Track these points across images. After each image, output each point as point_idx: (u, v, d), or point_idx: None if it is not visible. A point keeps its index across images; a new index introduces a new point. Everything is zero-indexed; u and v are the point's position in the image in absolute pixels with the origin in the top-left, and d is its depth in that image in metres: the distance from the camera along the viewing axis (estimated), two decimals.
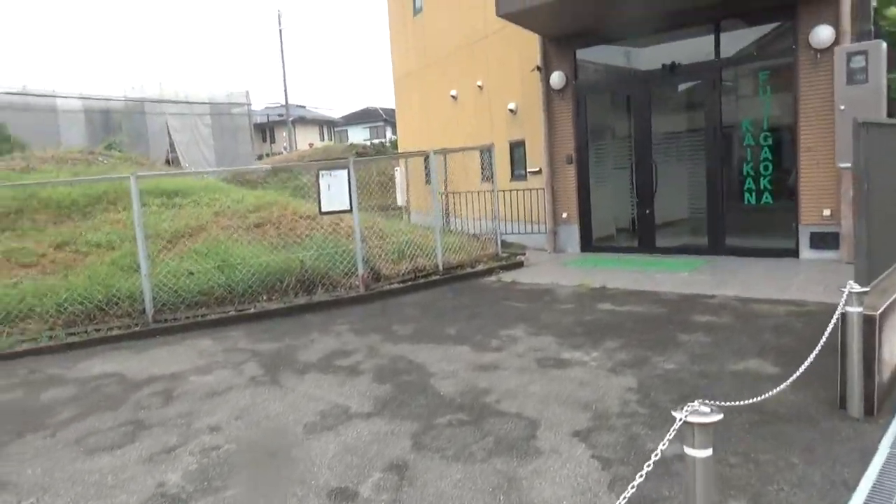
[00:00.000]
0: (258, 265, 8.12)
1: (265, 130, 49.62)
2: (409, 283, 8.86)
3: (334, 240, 8.93)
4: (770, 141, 9.01)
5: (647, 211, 10.17)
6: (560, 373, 5.05)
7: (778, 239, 9.00)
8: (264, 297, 8.03)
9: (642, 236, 10.34)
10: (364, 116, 52.38)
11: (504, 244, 11.19)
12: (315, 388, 5.15)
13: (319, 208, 8.44)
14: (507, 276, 9.25)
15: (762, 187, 9.10)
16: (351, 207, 8.42)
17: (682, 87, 10.40)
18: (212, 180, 12.50)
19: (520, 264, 10.03)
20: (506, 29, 11.40)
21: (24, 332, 7.08)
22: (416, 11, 16.27)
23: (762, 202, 9.10)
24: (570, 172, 10.96)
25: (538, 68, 10.98)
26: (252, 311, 7.75)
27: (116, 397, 5.31)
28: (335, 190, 8.28)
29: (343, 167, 8.43)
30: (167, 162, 36.39)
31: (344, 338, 6.62)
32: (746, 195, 9.24)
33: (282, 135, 47.14)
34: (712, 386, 4.53)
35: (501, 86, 12.51)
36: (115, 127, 36.28)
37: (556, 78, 10.75)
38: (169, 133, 37.85)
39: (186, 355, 6.40)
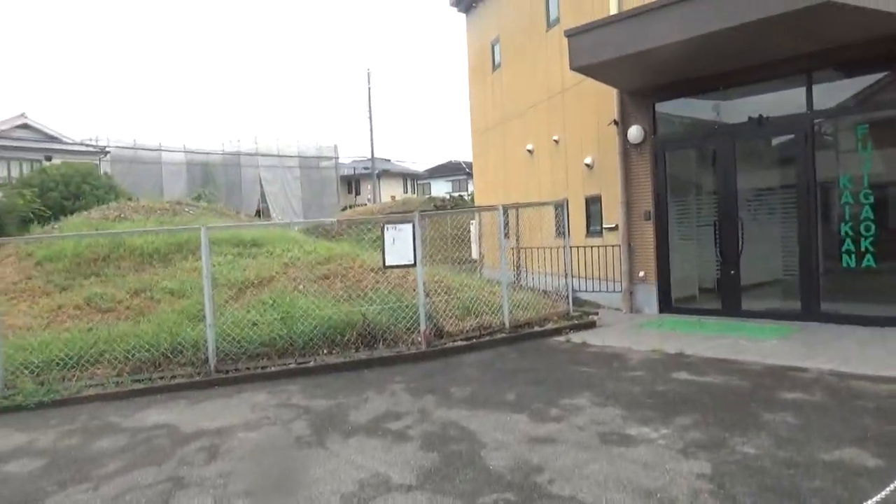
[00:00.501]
0: (321, 318, 8.06)
1: (351, 182, 51.21)
2: (473, 340, 8.55)
3: (399, 294, 8.78)
4: (872, 199, 8.24)
5: (732, 271, 9.48)
6: (623, 451, 4.57)
7: (882, 305, 8.13)
8: (325, 351, 7.93)
9: (726, 298, 9.63)
10: (447, 170, 53.24)
11: (577, 302, 10.72)
12: (359, 453, 4.90)
13: (383, 262, 8.34)
14: (577, 337, 8.77)
15: (863, 248, 8.29)
16: (415, 262, 8.27)
17: (771, 140, 9.79)
18: (289, 231, 12.75)
19: (591, 324, 9.52)
20: (583, 83, 11.20)
21: (93, 377, 7.25)
22: (495, 67, 16.38)
23: (864, 265, 8.28)
24: (649, 229, 10.45)
25: (615, 122, 10.66)
26: (311, 364, 7.64)
27: (164, 451, 5.24)
28: (399, 244, 8.17)
29: (408, 221, 8.34)
30: (257, 212, 38.09)
31: (398, 398, 6.36)
32: (845, 257, 8.44)
33: (367, 187, 48.48)
34: (799, 478, 3.94)
35: (578, 140, 12.25)
36: (212, 179, 38.46)
37: (634, 132, 10.38)
38: (261, 184, 39.72)
39: (240, 409, 6.31)
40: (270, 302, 8.44)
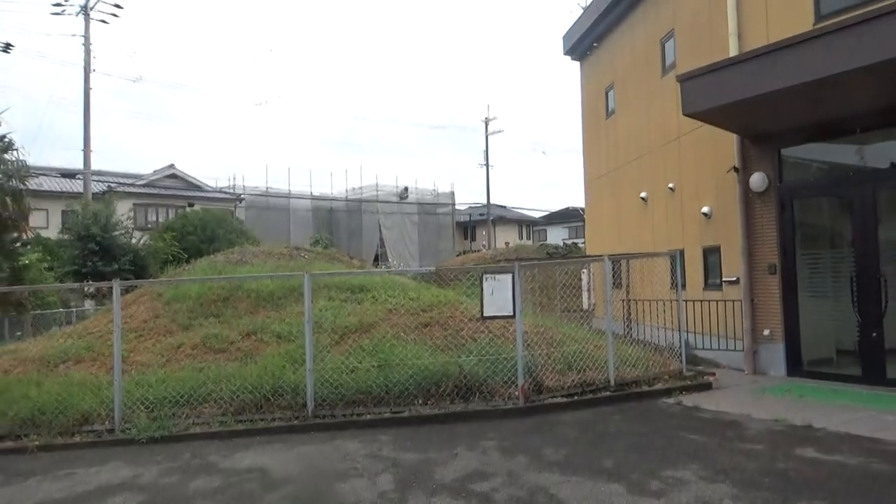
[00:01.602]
0: (417, 367, 7.98)
1: (466, 228, 51.81)
2: (575, 398, 8.12)
3: (498, 345, 8.55)
4: None
5: (874, 333, 8.45)
6: None
7: None
8: (420, 401, 7.81)
9: (867, 364, 8.57)
10: (564, 216, 52.59)
11: (692, 360, 9.97)
12: None
13: (481, 313, 8.18)
14: (689, 400, 8.09)
15: None
16: (514, 313, 8.04)
17: None
18: (398, 277, 12.92)
19: (707, 386, 8.78)
20: (700, 129, 10.66)
21: (200, 415, 7.56)
22: (609, 114, 16.05)
23: None
24: (774, 283, 9.60)
25: (735, 169, 10.00)
26: (405, 414, 7.55)
27: (252, 496, 5.30)
28: (498, 294, 7.98)
29: (508, 272, 8.15)
30: (376, 257, 39.36)
31: (488, 456, 6.10)
32: None
33: (482, 233, 48.83)
34: None
35: (694, 188, 11.61)
36: (335, 224, 40.35)
37: (757, 179, 9.67)
38: (380, 229, 41.12)
39: (331, 457, 6.31)
40: (370, 349, 8.49)
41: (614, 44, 15.72)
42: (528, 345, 8.49)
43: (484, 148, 46.54)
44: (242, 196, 36.95)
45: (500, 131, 47.30)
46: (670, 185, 12.45)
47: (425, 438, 6.80)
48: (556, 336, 9.41)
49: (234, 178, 38.41)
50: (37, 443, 7.16)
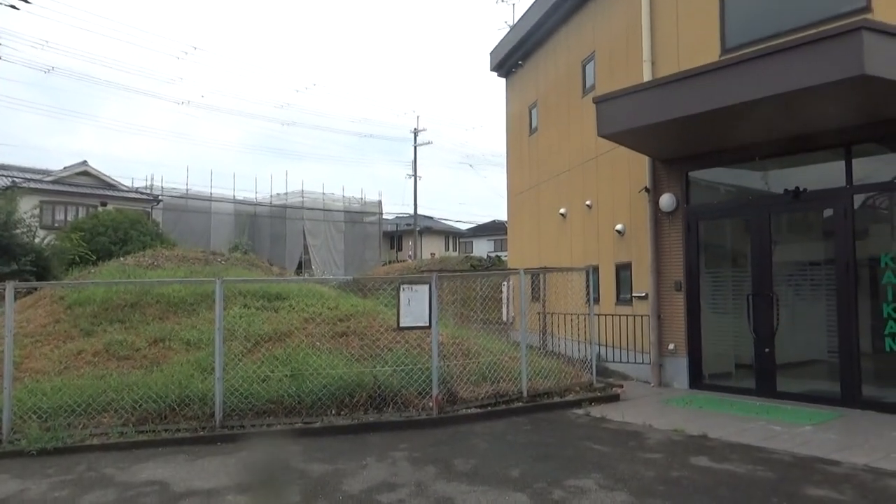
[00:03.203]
0: (331, 377, 7.90)
1: (393, 238, 51.71)
2: (488, 408, 8.23)
3: (414, 355, 8.58)
4: None
5: (767, 349, 9.00)
6: None
7: None
8: (333, 411, 7.73)
9: (761, 377, 9.11)
10: (490, 229, 53.32)
11: (603, 372, 10.32)
12: None
13: (398, 323, 8.19)
14: (597, 411, 8.36)
15: None
16: (430, 324, 8.10)
17: (809, 214, 9.41)
18: (316, 286, 12.75)
19: (614, 398, 9.10)
20: (616, 149, 11.08)
21: (98, 426, 7.21)
22: (532, 130, 16.46)
23: None
24: (679, 300, 10.07)
25: (646, 189, 10.46)
26: (317, 425, 7.45)
27: None
28: (415, 305, 8.03)
29: (425, 283, 8.21)
30: (299, 264, 38.68)
31: (398, 467, 6.10)
32: (888, 340, 7.91)
33: (409, 243, 48.83)
34: None
35: (610, 206, 12.05)
36: (258, 230, 39.40)
37: (666, 200, 10.15)
38: (305, 236, 40.42)
39: (236, 469, 6.14)
40: (283, 358, 8.33)
41: (539, 63, 16.15)
42: (445, 356, 8.56)
43: (412, 158, 46.63)
44: (160, 197, 35.54)
45: (428, 143, 47.61)
46: (587, 203, 12.87)
47: (336, 449, 6.73)
48: (473, 347, 9.53)
49: (153, 179, 36.88)
50: None
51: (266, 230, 40.18)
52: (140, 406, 7.37)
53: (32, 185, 29.78)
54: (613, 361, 10.97)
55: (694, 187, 10.23)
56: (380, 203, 45.66)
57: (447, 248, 54.06)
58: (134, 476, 5.97)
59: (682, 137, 9.32)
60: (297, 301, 10.64)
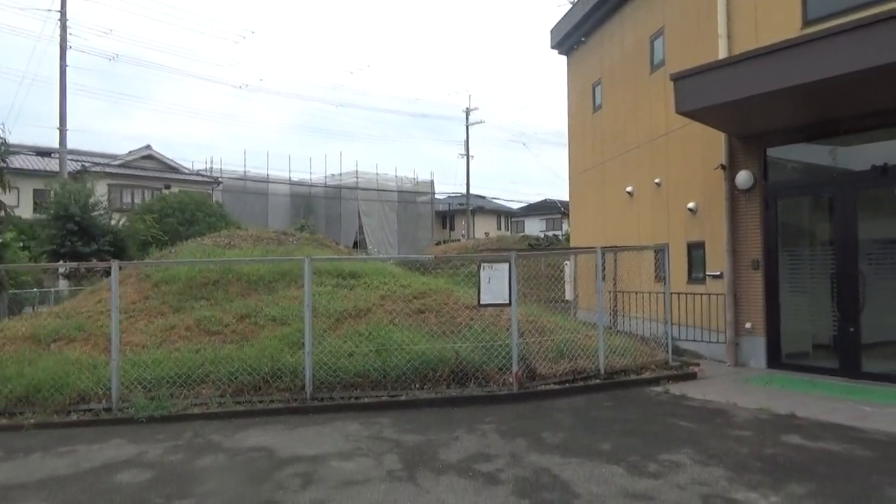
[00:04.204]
0: (414, 352, 8.13)
1: (445, 218, 51.95)
2: (566, 385, 8.35)
3: (492, 332, 8.73)
4: None
5: (852, 329, 8.82)
6: None
7: None
8: (417, 385, 7.97)
9: (844, 358, 8.94)
10: (541, 208, 52.99)
11: (676, 351, 10.27)
12: (449, 492, 4.86)
13: (478, 300, 8.35)
14: (676, 389, 8.38)
15: None
16: (510, 302, 8.23)
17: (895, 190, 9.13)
18: (385, 264, 13.02)
19: (692, 376, 9.09)
20: (688, 126, 10.92)
21: (198, 396, 7.62)
22: (596, 109, 16.29)
23: None
24: (757, 279, 9.93)
25: (722, 167, 10.29)
26: (403, 398, 7.71)
27: (261, 473, 5.41)
28: (495, 283, 8.16)
29: (504, 261, 8.33)
30: (355, 243, 39.31)
31: (488, 439, 6.28)
32: None
33: (461, 222, 49.01)
34: None
35: (681, 184, 11.90)
36: (314, 210, 40.15)
37: (743, 177, 9.97)
38: (360, 217, 41.01)
39: (333, 438, 6.43)
40: (366, 333, 8.61)
41: (603, 39, 15.93)
42: (521, 333, 8.68)
43: (464, 138, 46.61)
44: (220, 179, 36.55)
45: (480, 122, 47.49)
46: (657, 181, 12.73)
47: (424, 421, 6.96)
48: (548, 325, 9.63)
49: (212, 162, 37.96)
50: (32, 420, 7.17)
51: (322, 210, 40.91)
52: (235, 378, 7.75)
53: (102, 169, 31.01)
54: (685, 340, 10.91)
55: (772, 164, 10.02)
56: (432, 183, 45.94)
57: (499, 228, 54.03)
58: (239, 443, 6.32)
59: (762, 113, 9.12)
60: (371, 279, 10.92)
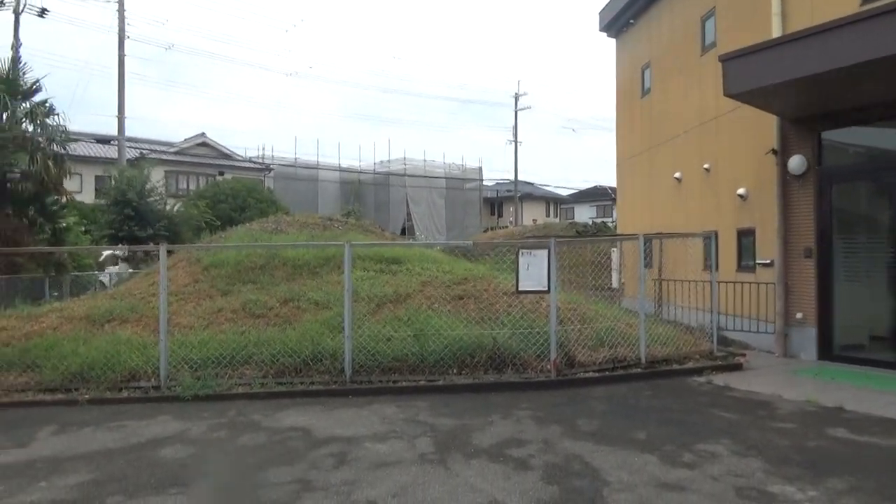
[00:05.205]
0: (452, 338, 8.17)
1: (493, 204, 51.76)
2: (606, 373, 8.26)
3: (531, 319, 8.69)
4: None
5: None
6: None
7: None
8: (454, 371, 8.02)
9: None
10: (592, 195, 52.22)
11: (722, 341, 10.02)
12: (479, 476, 4.89)
13: (516, 287, 8.32)
14: (720, 379, 8.19)
15: None
16: (549, 288, 8.16)
17: None
18: (429, 251, 13.09)
19: (737, 366, 8.85)
20: (738, 109, 10.56)
21: (241, 377, 7.85)
22: (644, 92, 15.91)
23: None
24: (809, 267, 9.58)
25: (774, 151, 9.93)
26: (440, 383, 7.77)
27: (297, 453, 5.54)
28: (534, 270, 8.11)
29: (544, 247, 8.26)
30: (403, 230, 39.59)
31: (523, 425, 6.28)
32: None
33: (509, 209, 48.75)
34: None
35: (731, 169, 11.54)
36: (362, 197, 40.60)
37: (796, 162, 9.60)
38: (407, 203, 41.23)
39: (369, 420, 6.54)
40: (405, 319, 8.68)
41: (652, 21, 15.52)
42: (561, 320, 8.62)
43: (513, 124, 46.24)
44: (271, 166, 37.30)
45: (528, 108, 46.99)
46: (705, 166, 12.38)
47: (460, 406, 6.99)
48: (588, 313, 9.53)
49: (263, 149, 38.72)
50: (87, 396, 7.50)
51: (370, 197, 41.32)
52: (277, 360, 7.94)
53: (158, 156, 32.03)
54: (733, 330, 10.62)
55: (827, 149, 9.61)
56: (480, 169, 45.79)
57: (548, 215, 53.54)
58: (279, 422, 6.49)
59: (816, 95, 8.75)
60: (414, 265, 10.99)
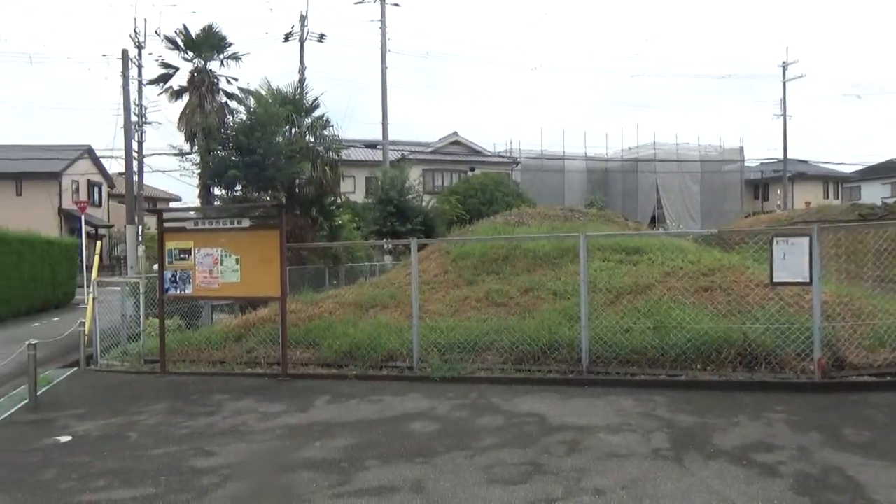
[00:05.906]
0: (695, 331, 7.71)
1: (758, 187, 47.10)
2: (886, 378, 7.11)
3: (791, 314, 7.81)
4: None
5: None
6: None
7: None
8: (698, 366, 7.56)
9: None
10: (885, 171, 44.80)
11: None
12: (717, 478, 4.61)
13: (770, 278, 7.55)
14: None
15: None
16: (810, 280, 7.27)
17: None
18: (676, 240, 12.46)
19: None
20: None
21: (483, 362, 8.31)
22: None
23: None
24: None
25: None
26: (682, 378, 7.39)
27: (531, 437, 5.75)
28: (791, 259, 7.27)
29: (804, 234, 7.38)
30: (652, 219, 37.99)
31: (774, 428, 5.73)
32: None
33: (776, 192, 43.96)
34: None
35: None
36: (609, 186, 39.83)
37: None
38: (657, 190, 39.45)
39: (604, 411, 6.49)
40: (645, 310, 8.41)
41: None
42: (828, 315, 7.64)
43: (780, 97, 41.47)
44: (518, 160, 38.38)
45: (801, 76, 41.27)
46: None
47: (703, 404, 6.60)
48: (866, 308, 8.28)
49: (511, 143, 40.02)
50: (354, 372, 8.56)
51: (617, 185, 40.36)
52: (516, 347, 8.25)
53: (416, 156, 34.92)
54: None
55: None
56: (741, 149, 42.01)
57: (826, 196, 47.04)
58: (516, 407, 6.76)
59: None
60: (656, 255, 10.58)
